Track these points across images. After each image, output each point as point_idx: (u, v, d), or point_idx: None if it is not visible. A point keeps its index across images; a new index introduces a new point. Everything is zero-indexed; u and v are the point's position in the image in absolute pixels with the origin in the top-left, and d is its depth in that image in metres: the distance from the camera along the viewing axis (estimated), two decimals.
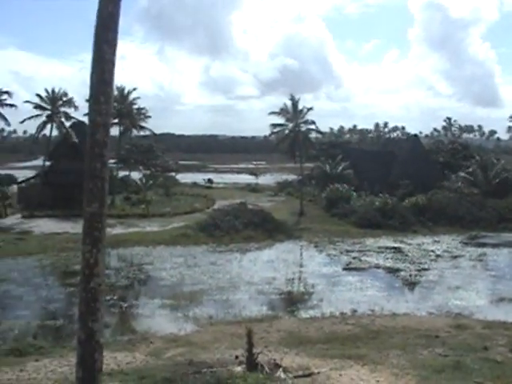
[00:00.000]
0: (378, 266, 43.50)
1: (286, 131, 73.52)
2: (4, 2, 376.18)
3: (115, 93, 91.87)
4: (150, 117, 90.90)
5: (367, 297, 34.18)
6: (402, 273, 41.26)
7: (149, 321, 29.13)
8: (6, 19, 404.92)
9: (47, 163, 75.92)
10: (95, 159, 9.29)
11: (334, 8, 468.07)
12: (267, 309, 31.45)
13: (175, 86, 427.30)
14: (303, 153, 74.55)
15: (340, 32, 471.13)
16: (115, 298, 32.57)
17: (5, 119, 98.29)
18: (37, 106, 72.57)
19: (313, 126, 74.01)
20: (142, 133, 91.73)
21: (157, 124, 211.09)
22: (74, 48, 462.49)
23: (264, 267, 42.56)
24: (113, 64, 9.59)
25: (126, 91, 78.66)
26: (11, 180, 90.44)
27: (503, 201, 66.80)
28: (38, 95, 73.42)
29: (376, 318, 28.38)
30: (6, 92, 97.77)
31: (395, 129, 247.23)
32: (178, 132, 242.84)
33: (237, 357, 18.43)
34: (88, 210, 9.26)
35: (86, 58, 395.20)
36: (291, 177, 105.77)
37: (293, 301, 33.98)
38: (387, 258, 46.01)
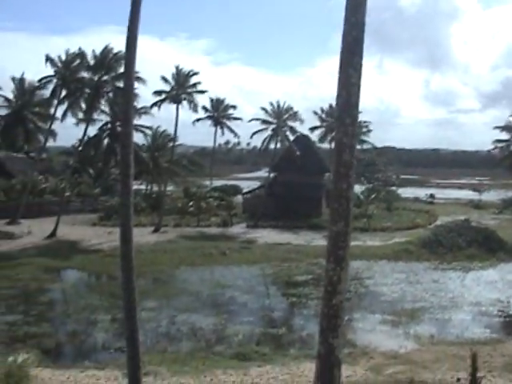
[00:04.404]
0: None
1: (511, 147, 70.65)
2: (228, 21, 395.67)
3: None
4: (371, 130, 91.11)
5: None
6: None
7: (369, 335, 29.01)
8: (229, 37, 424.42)
9: (271, 175, 78.15)
10: (341, 179, 9.55)
11: None
12: (491, 331, 30.23)
13: (395, 99, 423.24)
14: None
15: None
16: None
17: (233, 132, 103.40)
18: (264, 122, 74.89)
19: None
20: (364, 146, 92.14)
21: (377, 137, 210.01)
22: (294, 62, 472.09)
23: (487, 288, 41.01)
24: (358, 87, 9.83)
25: None
26: (236, 190, 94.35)
27: None
28: (264, 109, 75.77)
29: None
30: (233, 106, 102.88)
31: None
32: (398, 145, 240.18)
33: (458, 379, 18.09)
34: (333, 229, 9.52)
35: (305, 72, 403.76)
36: None
37: None
38: None
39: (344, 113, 9.88)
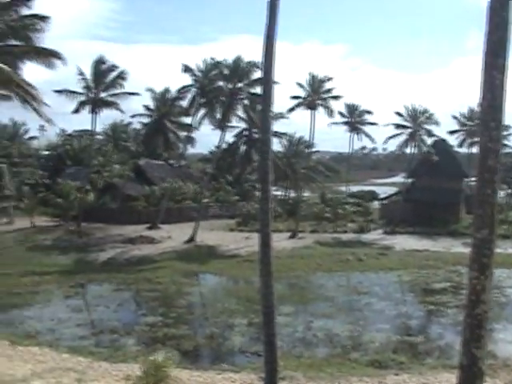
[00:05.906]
0: None
1: None
2: (359, 26, 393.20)
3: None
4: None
5: None
6: None
7: (511, 347, 27.95)
8: (362, 41, 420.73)
9: (408, 180, 76.91)
10: (486, 185, 9.28)
11: None
12: None
13: None
14: None
15: None
16: None
17: (369, 137, 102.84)
18: (399, 126, 73.75)
19: None
20: (506, 150, 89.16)
21: None
22: (427, 63, 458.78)
23: None
24: (503, 90, 9.49)
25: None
26: (373, 196, 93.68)
27: None
28: (398, 113, 74.56)
29: None
30: (369, 112, 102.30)
31: None
32: None
33: None
34: (477, 236, 9.27)
35: (439, 73, 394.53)
36: None
37: None
38: None
39: (488, 116, 9.56)
